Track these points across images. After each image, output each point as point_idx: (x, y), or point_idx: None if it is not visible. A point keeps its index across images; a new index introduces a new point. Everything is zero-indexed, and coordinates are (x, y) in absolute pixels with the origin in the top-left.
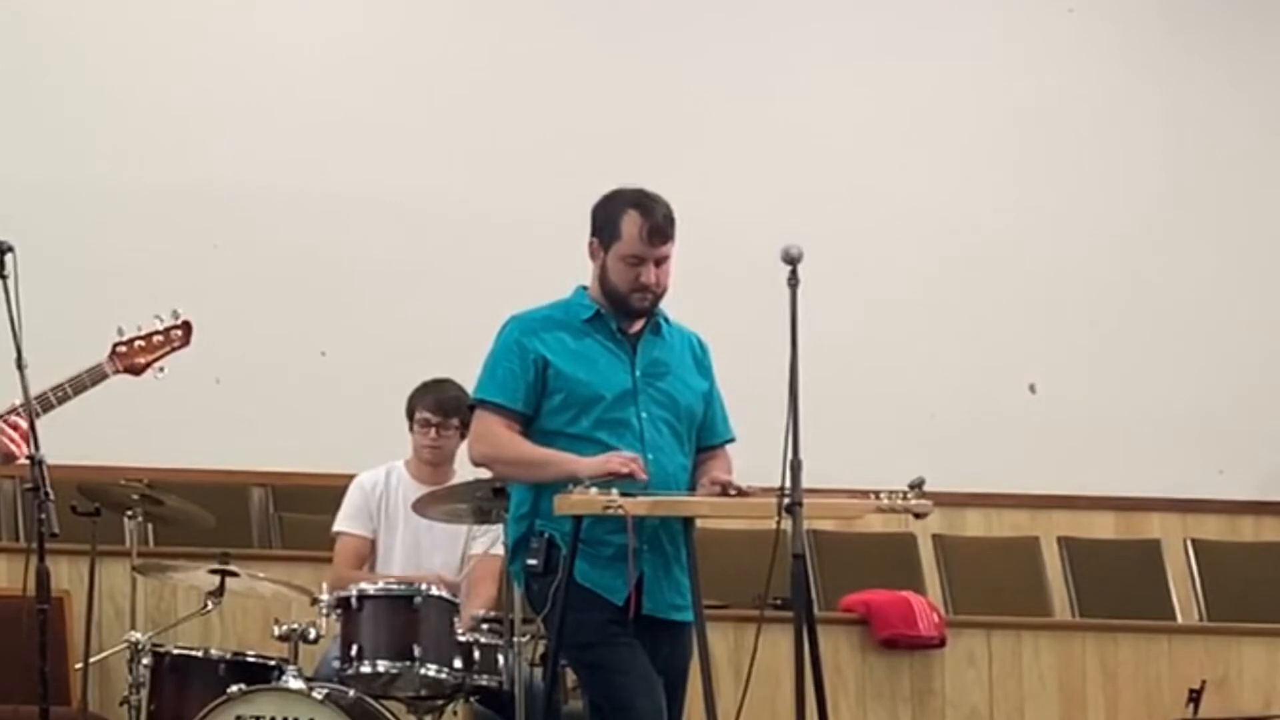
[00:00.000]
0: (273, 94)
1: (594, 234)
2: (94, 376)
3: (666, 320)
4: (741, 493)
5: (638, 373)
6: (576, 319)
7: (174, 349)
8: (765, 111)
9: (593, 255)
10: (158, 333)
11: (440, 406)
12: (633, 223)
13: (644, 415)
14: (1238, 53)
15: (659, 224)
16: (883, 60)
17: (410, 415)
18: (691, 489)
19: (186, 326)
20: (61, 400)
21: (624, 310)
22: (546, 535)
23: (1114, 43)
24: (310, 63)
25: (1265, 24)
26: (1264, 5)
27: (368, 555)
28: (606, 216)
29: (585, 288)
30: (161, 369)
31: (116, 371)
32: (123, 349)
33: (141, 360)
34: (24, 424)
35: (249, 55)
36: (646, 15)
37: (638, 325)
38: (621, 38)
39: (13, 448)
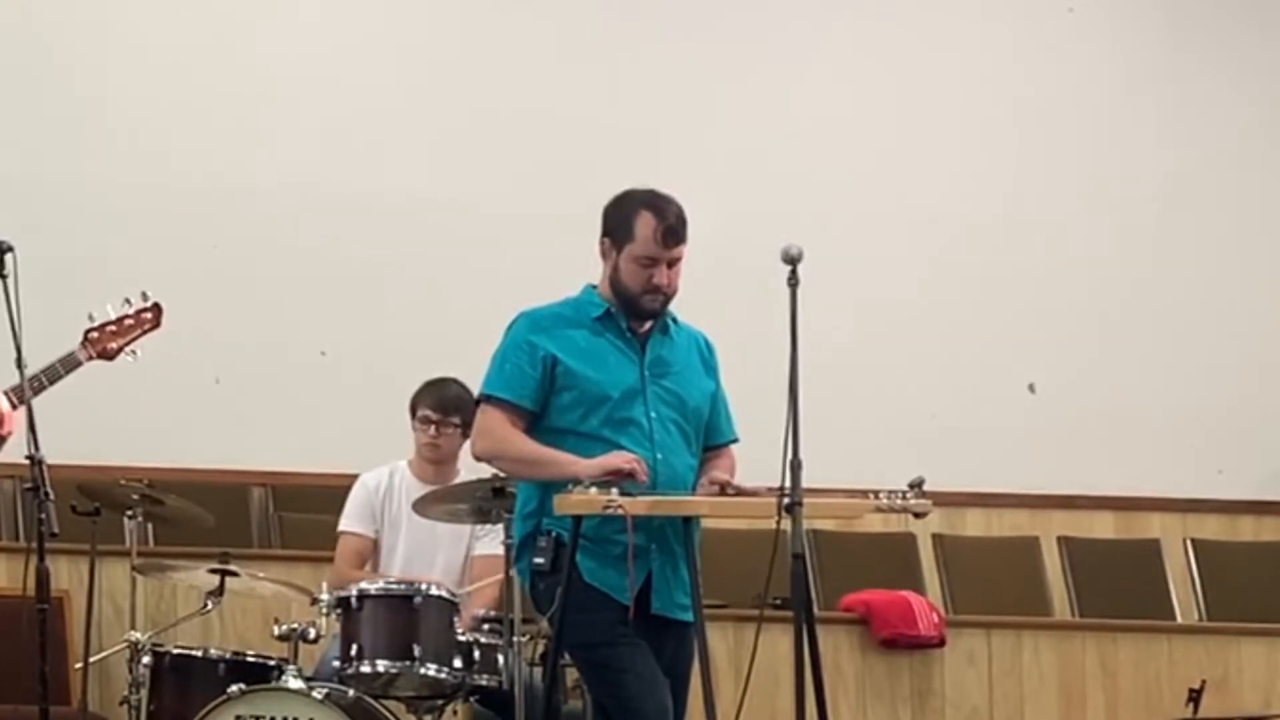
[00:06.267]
0: (273, 94)
1: (606, 234)
2: (68, 364)
3: (675, 320)
4: (741, 491)
5: (645, 372)
6: (587, 317)
7: (145, 331)
8: (766, 111)
9: (604, 255)
10: (128, 316)
11: (441, 405)
12: (646, 224)
13: (653, 415)
14: (1238, 53)
15: (673, 225)
16: (883, 60)
17: (413, 412)
18: (693, 489)
19: (156, 308)
20: (38, 390)
21: (635, 311)
22: (554, 535)
23: (1114, 42)
24: (311, 62)
25: (1265, 24)
26: (1264, 6)
27: (370, 555)
28: (619, 217)
29: (594, 286)
30: (134, 352)
31: (90, 358)
32: (94, 334)
33: (114, 345)
34: (5, 404)
35: (249, 54)
36: (648, 16)
37: (647, 325)
38: (622, 39)
39: (3, 418)
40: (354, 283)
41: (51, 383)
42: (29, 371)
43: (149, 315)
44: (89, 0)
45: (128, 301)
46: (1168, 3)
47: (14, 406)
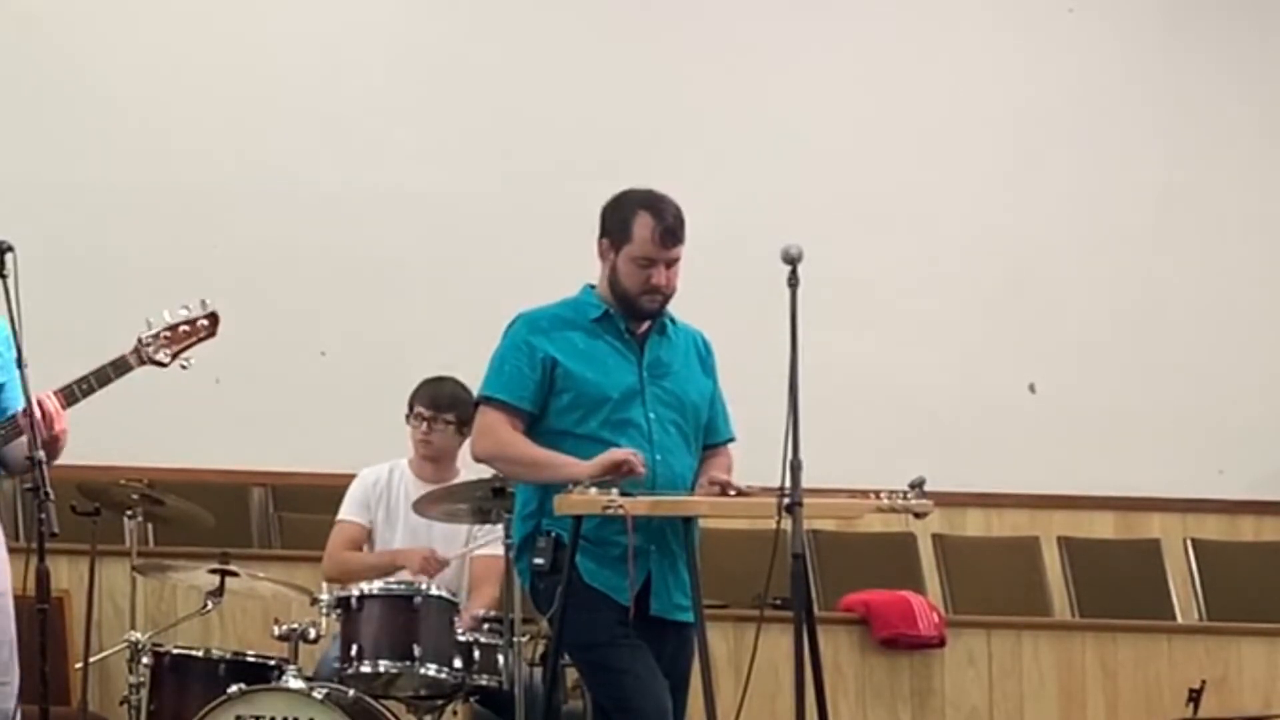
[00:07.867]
0: (273, 93)
1: (604, 235)
2: (118, 368)
3: (673, 320)
4: (740, 492)
5: (644, 372)
6: (585, 318)
7: (200, 339)
8: (765, 111)
9: (602, 256)
10: (184, 324)
11: (435, 401)
12: (644, 225)
13: (651, 416)
14: (1238, 53)
15: (671, 226)
16: (882, 60)
17: (409, 409)
18: (692, 489)
19: (213, 317)
20: (86, 393)
21: (633, 311)
22: (553, 535)
23: (1114, 43)
24: (310, 62)
25: (1265, 24)
26: (1264, 5)
27: (363, 543)
28: (617, 218)
29: (593, 286)
30: (188, 361)
31: (141, 363)
32: (148, 341)
33: (167, 352)
34: (50, 404)
35: (249, 55)
36: (647, 16)
37: (645, 325)
38: (622, 38)
39: (53, 418)
40: (354, 283)
41: (100, 385)
42: (79, 374)
43: (205, 323)
44: (91, 3)
45: (186, 308)
46: (1167, 3)
47: (64, 407)
